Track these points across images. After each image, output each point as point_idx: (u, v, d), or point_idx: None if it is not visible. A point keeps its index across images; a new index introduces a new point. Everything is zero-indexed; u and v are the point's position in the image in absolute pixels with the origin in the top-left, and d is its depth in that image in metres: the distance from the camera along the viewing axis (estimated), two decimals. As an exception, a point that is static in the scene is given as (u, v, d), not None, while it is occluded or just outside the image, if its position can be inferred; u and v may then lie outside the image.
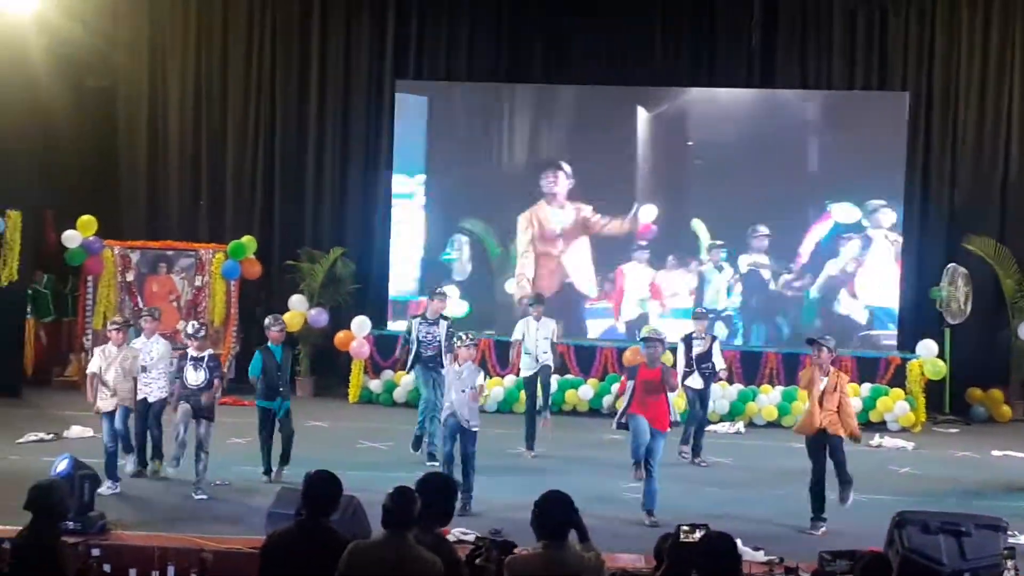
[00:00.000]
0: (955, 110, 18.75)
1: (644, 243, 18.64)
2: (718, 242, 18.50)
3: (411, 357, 13.64)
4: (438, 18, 19.39)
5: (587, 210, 18.62)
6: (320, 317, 17.89)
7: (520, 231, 18.76)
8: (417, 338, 13.51)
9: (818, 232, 18.38)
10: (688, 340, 14.11)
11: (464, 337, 11.38)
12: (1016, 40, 18.62)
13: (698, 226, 18.60)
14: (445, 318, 13.75)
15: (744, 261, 18.53)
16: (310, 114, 19.52)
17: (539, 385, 14.15)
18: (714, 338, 14.36)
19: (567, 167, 18.62)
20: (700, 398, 13.96)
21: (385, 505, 5.87)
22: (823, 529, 10.55)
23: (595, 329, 18.48)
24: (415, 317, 14.09)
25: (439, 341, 13.35)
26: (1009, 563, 7.88)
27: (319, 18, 19.42)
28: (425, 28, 19.45)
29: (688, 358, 13.95)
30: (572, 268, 18.75)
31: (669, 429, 11.07)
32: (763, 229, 18.41)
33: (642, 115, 18.65)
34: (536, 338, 14.15)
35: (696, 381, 13.90)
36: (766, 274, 18.54)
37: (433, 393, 13.12)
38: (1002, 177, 18.75)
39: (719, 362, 14.19)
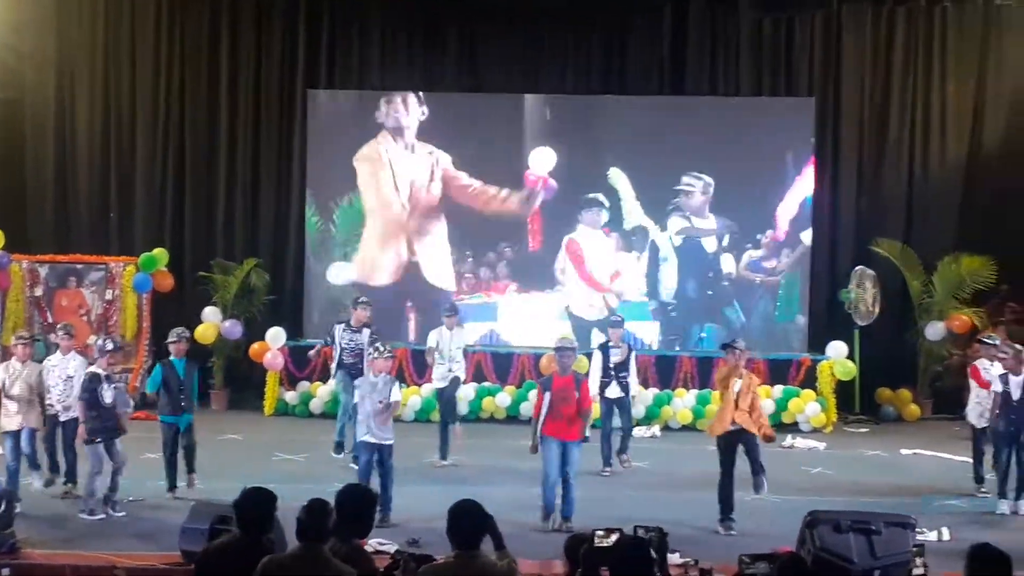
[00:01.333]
0: (860, 115, 19.12)
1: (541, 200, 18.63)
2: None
3: (334, 363, 14.03)
4: (349, 27, 19.33)
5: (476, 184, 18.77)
6: (234, 329, 17.73)
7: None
8: (341, 344, 13.86)
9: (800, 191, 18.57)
10: (605, 349, 13.81)
11: (381, 348, 11.33)
12: (919, 46, 19.06)
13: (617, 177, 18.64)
14: (368, 327, 13.86)
15: (675, 227, 18.63)
16: (221, 124, 19.36)
17: (452, 396, 14.33)
18: (631, 348, 14.09)
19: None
20: (620, 407, 13.69)
21: (300, 518, 5.86)
22: (734, 529, 10.70)
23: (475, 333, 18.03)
24: (339, 323, 14.24)
25: (361, 349, 13.50)
26: (918, 560, 8.05)
27: (228, 27, 19.29)
28: (336, 37, 19.38)
29: (605, 368, 13.64)
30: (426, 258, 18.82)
31: (583, 437, 11.07)
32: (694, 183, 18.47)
33: (553, 123, 18.77)
34: (450, 347, 14.16)
35: (614, 391, 13.60)
36: (710, 245, 18.62)
37: (352, 398, 13.01)
38: (907, 180, 19.16)
39: (634, 382, 13.98)
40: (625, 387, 13.68)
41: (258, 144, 19.42)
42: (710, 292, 18.60)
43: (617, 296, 18.51)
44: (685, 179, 18.52)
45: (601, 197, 18.57)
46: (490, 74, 19.30)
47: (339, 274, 18.74)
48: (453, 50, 19.42)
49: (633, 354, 14.00)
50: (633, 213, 18.65)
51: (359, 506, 6.25)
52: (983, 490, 12.58)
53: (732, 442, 10.94)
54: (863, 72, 19.10)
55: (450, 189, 18.77)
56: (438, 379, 14.35)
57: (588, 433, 11.24)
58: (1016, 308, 17.76)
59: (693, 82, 19.22)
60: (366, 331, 13.81)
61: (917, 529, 9.48)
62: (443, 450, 13.87)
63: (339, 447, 13.74)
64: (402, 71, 19.31)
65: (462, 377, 14.56)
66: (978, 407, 12.66)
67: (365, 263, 18.79)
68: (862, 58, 19.10)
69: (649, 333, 18.41)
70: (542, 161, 18.66)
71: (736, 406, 10.91)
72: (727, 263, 18.61)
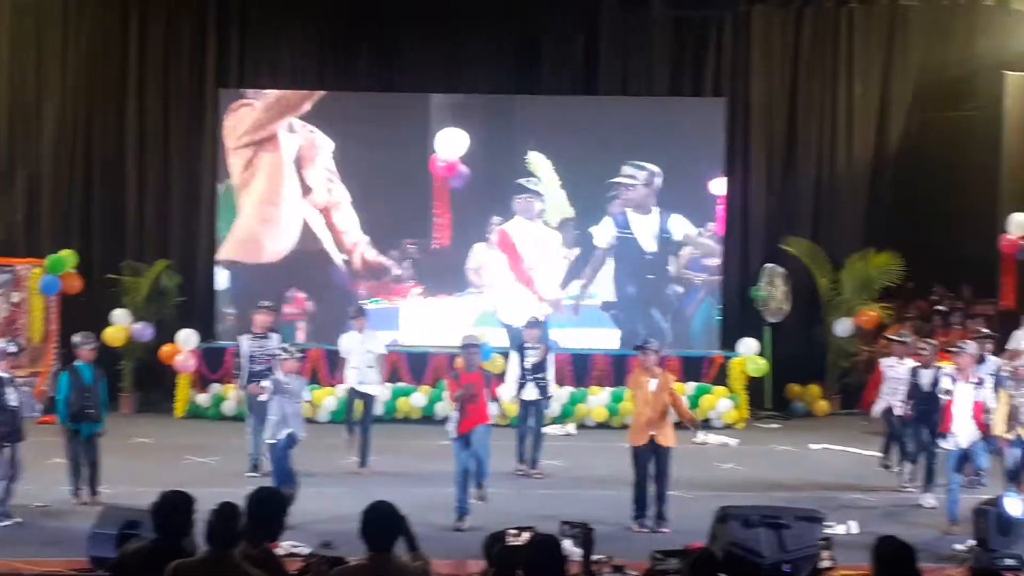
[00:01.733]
0: (770, 115, 19.39)
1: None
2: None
3: (243, 374, 13.20)
4: (260, 26, 19.16)
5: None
6: (144, 331, 17.49)
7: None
8: (249, 354, 13.13)
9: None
10: (521, 350, 13.58)
11: (290, 348, 11.27)
12: (826, 47, 19.38)
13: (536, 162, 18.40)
14: (275, 331, 13.43)
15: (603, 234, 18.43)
16: (129, 125, 19.08)
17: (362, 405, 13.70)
18: (548, 348, 13.79)
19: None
20: (536, 410, 13.47)
21: (209, 521, 5.79)
22: (646, 526, 10.82)
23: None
24: (243, 334, 13.64)
25: (271, 355, 12.75)
26: (825, 553, 8.18)
27: (137, 25, 18.98)
28: (247, 36, 19.18)
29: (522, 369, 13.40)
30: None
31: (490, 426, 11.20)
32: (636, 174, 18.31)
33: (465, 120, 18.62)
34: (360, 352, 13.60)
35: (531, 392, 13.38)
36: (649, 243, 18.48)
37: (258, 415, 12.44)
38: (815, 179, 19.48)
39: (552, 383, 13.84)
40: (542, 388, 13.46)
41: (168, 144, 19.17)
42: (649, 294, 18.28)
43: (553, 305, 18.04)
44: (627, 170, 18.29)
45: (533, 183, 18.27)
46: (403, 74, 19.22)
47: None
48: (366, 50, 19.32)
49: (551, 355, 13.78)
50: (559, 205, 18.41)
51: (270, 509, 6.19)
52: (889, 464, 13.05)
53: (646, 456, 11.04)
54: (773, 73, 19.36)
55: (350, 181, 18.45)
56: (352, 382, 13.70)
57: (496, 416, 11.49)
58: (922, 304, 18.12)
59: (606, 82, 19.32)
60: (274, 336, 13.25)
61: (826, 523, 9.66)
62: (363, 458, 13.38)
63: (255, 468, 12.88)
64: (313, 70, 19.18)
65: (376, 394, 13.94)
66: (883, 402, 12.90)
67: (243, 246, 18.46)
68: (771, 59, 19.36)
69: (612, 340, 18.21)
70: (451, 144, 18.13)
71: (651, 407, 11.00)
72: (669, 262, 18.45)
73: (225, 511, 5.86)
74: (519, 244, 18.39)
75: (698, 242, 18.42)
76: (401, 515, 5.83)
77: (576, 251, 18.43)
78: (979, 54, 18.86)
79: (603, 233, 18.40)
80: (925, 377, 12.06)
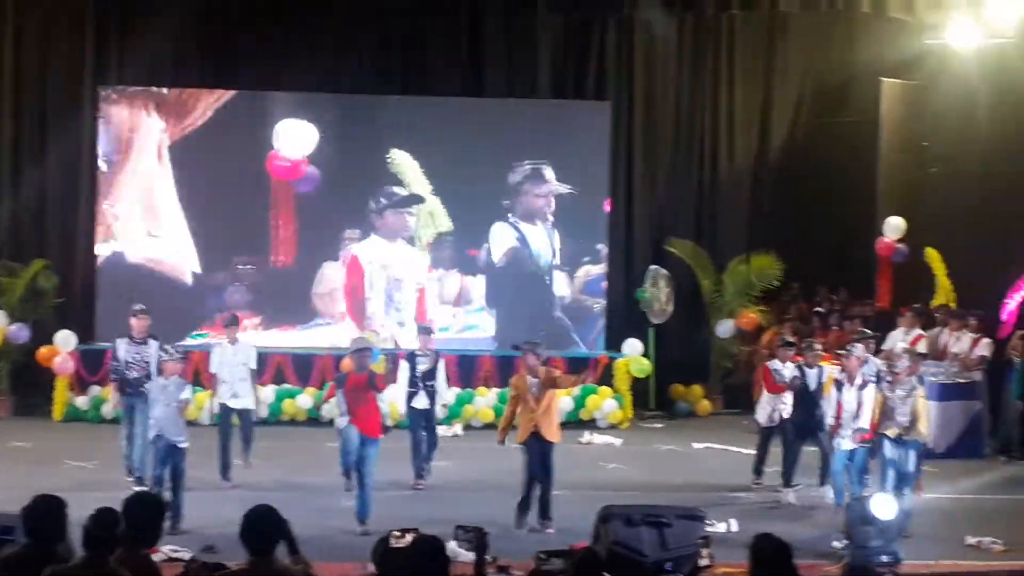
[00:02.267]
0: (654, 118, 19.62)
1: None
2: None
3: (119, 380, 12.59)
4: (140, 25, 18.69)
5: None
6: (21, 333, 17.04)
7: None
8: (126, 360, 12.50)
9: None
10: (412, 358, 13.23)
11: (170, 350, 11.09)
12: (708, 52, 19.69)
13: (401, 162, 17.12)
14: (155, 337, 12.57)
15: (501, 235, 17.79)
16: (4, 124, 18.60)
17: (238, 426, 12.78)
18: (439, 356, 13.49)
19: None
20: (426, 419, 13.13)
21: (86, 527, 5.69)
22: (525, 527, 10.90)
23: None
24: (121, 338, 12.76)
25: (148, 362, 12.27)
26: (704, 551, 8.30)
27: (13, 20, 18.48)
28: (126, 35, 18.75)
29: (412, 377, 13.02)
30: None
31: (382, 436, 11.10)
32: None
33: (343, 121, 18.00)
34: (232, 365, 12.77)
35: (421, 401, 13.03)
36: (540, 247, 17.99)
37: (133, 424, 12.16)
38: (697, 182, 19.80)
39: (443, 389, 13.67)
40: (432, 396, 13.16)
41: (45, 142, 18.72)
42: (543, 327, 16.91)
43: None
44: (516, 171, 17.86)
45: (401, 191, 17.36)
46: (286, 72, 18.94)
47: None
48: (247, 48, 19.02)
49: (441, 362, 13.49)
50: (434, 214, 17.70)
51: (147, 514, 6.10)
52: (758, 482, 13.06)
53: (534, 449, 11.08)
54: (655, 77, 19.60)
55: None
56: (223, 397, 12.77)
57: (390, 423, 11.36)
58: (802, 307, 18.49)
59: (492, 83, 19.36)
60: (153, 343, 12.39)
61: (707, 521, 9.82)
62: (224, 472, 12.56)
63: (139, 481, 11.89)
64: (194, 69, 18.88)
65: (252, 407, 13.05)
66: (767, 407, 13.07)
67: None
68: (654, 63, 19.59)
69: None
70: (294, 139, 16.89)
71: (537, 405, 11.05)
72: (561, 285, 18.06)
73: (103, 516, 5.76)
74: (368, 273, 17.09)
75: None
76: (281, 519, 5.79)
77: (453, 274, 17.70)
78: (857, 61, 19.34)
79: (500, 242, 17.99)
80: (810, 377, 12.30)
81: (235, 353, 12.83)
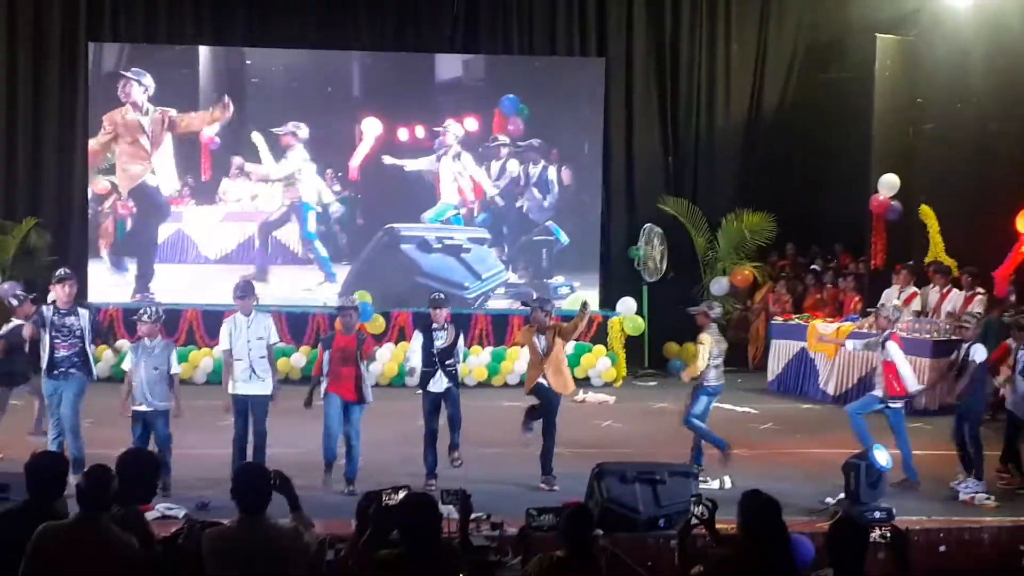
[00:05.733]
0: (657, 75, 19.54)
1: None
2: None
3: (44, 357, 10.61)
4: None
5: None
6: (12, 290, 16.97)
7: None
8: (50, 333, 10.52)
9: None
10: (428, 331, 11.13)
11: (149, 311, 10.60)
12: (703, 8, 19.61)
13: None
14: (84, 306, 10.99)
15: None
16: (-1, 79, 18.50)
17: (251, 416, 10.78)
18: (459, 331, 11.39)
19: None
20: (448, 400, 11.11)
21: (79, 484, 5.71)
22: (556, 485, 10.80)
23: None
24: (47, 304, 10.77)
25: (80, 334, 10.61)
26: (696, 509, 8.29)
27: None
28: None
29: (427, 355, 11.03)
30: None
31: (368, 401, 10.94)
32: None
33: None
34: (248, 339, 10.73)
35: (440, 383, 11.02)
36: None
37: (61, 408, 10.60)
38: (694, 140, 19.73)
39: (461, 367, 11.66)
40: (453, 376, 11.12)
41: (39, 98, 18.66)
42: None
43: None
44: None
45: None
46: (283, 28, 18.88)
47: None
48: (243, 3, 18.95)
49: (461, 337, 11.42)
50: None
51: (140, 470, 6.13)
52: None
53: (541, 396, 11.07)
54: (651, 33, 19.50)
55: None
56: (239, 382, 10.73)
57: (370, 396, 10.91)
58: (796, 263, 18.46)
59: (487, 40, 19.26)
60: (83, 312, 10.68)
61: (701, 478, 9.83)
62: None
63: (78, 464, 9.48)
64: (189, 24, 18.77)
65: (269, 393, 10.80)
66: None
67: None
68: (650, 19, 19.48)
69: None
70: None
71: (546, 359, 11.05)
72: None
73: (97, 474, 5.78)
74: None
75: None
76: (272, 476, 5.82)
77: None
78: (852, 16, 19.22)
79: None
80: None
81: (249, 327, 10.72)
